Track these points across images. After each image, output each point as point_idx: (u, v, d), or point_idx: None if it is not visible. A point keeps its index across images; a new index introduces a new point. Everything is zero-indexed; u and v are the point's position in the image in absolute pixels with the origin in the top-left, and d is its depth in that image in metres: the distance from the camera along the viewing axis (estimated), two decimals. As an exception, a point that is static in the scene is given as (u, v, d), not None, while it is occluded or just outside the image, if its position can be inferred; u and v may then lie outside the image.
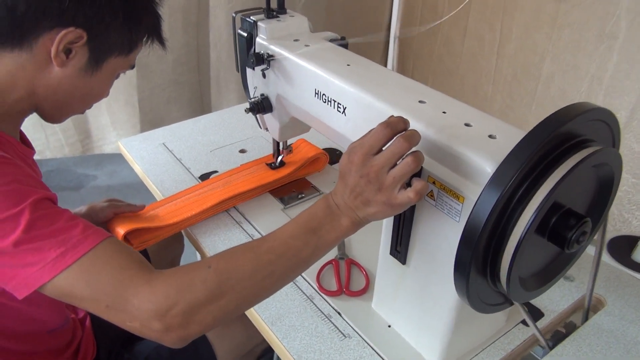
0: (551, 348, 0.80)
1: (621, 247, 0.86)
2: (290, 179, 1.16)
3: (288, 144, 1.15)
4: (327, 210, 0.66)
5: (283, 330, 0.81)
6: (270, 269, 0.63)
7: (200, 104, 2.43)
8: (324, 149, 1.28)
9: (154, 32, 0.78)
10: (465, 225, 0.55)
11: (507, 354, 0.79)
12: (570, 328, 0.87)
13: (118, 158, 2.69)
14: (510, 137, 0.63)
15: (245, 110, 1.00)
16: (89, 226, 0.62)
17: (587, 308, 0.84)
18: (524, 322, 0.84)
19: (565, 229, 0.58)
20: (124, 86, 2.21)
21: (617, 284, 0.91)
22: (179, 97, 2.35)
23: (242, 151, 1.28)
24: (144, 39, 0.78)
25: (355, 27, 2.36)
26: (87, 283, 0.59)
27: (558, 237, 0.59)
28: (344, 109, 0.79)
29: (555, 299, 0.88)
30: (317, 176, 1.19)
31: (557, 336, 0.85)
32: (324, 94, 0.82)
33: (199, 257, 1.53)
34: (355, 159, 0.62)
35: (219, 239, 1.00)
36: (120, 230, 0.96)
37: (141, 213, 1.03)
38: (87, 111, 0.83)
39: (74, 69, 0.70)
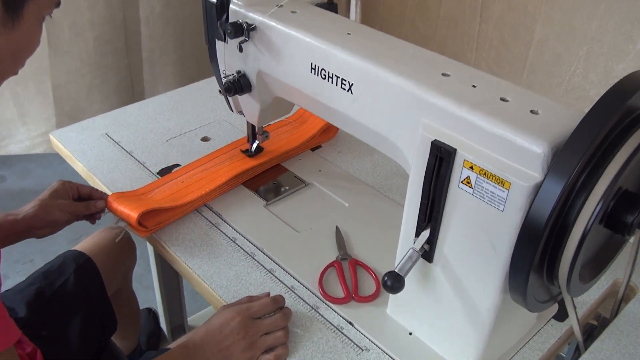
0: (585, 344, 0.82)
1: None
2: (297, 152, 1.18)
3: (288, 116, 1.17)
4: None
5: (289, 347, 0.79)
6: None
7: (131, 92, 2.29)
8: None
9: None
10: (526, 219, 0.55)
11: (544, 354, 0.81)
12: (601, 320, 0.90)
13: (26, 158, 2.54)
14: (555, 112, 0.64)
15: (219, 92, 0.96)
16: None
17: (621, 298, 0.87)
18: (555, 318, 0.86)
19: (625, 213, 0.59)
20: (33, 70, 2.04)
21: (647, 268, 0.94)
22: (103, 84, 2.19)
23: (205, 139, 1.24)
24: None
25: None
26: None
27: (618, 223, 0.60)
28: (350, 86, 0.77)
29: (584, 289, 0.91)
30: (294, 164, 1.17)
31: (589, 330, 0.87)
32: (322, 69, 0.80)
33: (154, 272, 1.48)
34: (239, 318, 0.77)
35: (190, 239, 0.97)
36: (133, 214, 0.94)
37: (138, 194, 1.03)
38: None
39: None
